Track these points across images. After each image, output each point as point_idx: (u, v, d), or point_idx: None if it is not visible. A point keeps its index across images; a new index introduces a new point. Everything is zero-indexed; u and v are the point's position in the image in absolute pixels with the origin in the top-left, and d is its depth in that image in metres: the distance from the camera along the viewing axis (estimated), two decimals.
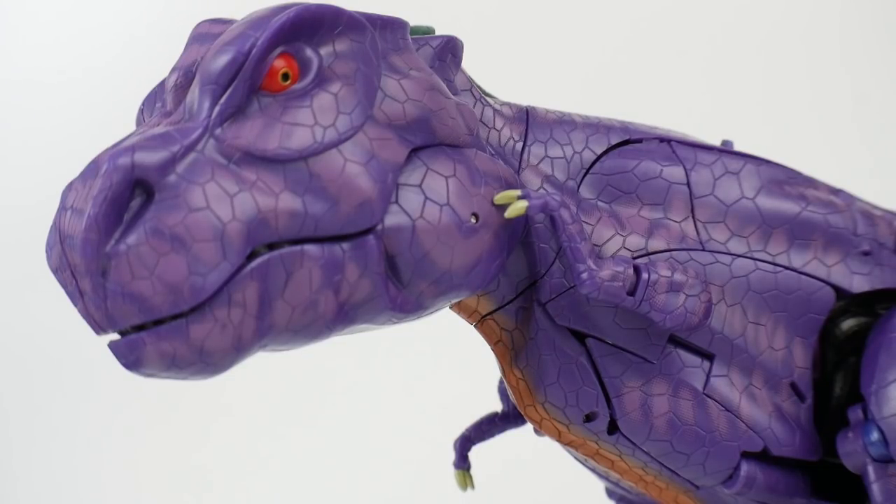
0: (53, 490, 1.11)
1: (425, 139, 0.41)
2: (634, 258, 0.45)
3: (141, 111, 0.43)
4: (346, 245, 0.37)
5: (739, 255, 0.48)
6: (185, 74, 0.40)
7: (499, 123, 0.46)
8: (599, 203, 0.47)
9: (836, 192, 0.52)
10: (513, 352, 0.48)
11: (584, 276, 0.42)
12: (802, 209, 0.49)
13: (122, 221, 0.34)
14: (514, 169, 0.46)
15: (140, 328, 0.34)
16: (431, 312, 0.42)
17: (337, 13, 0.39)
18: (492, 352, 0.48)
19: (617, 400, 0.46)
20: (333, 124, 0.38)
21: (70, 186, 0.36)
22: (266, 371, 0.84)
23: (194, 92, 0.37)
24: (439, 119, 0.41)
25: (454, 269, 0.40)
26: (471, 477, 0.59)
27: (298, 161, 0.37)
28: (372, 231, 0.38)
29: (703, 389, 0.46)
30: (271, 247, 0.36)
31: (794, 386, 0.49)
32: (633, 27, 1.30)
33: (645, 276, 0.43)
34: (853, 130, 1.26)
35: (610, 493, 0.61)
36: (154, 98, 0.42)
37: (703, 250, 0.47)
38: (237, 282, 0.35)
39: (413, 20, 0.44)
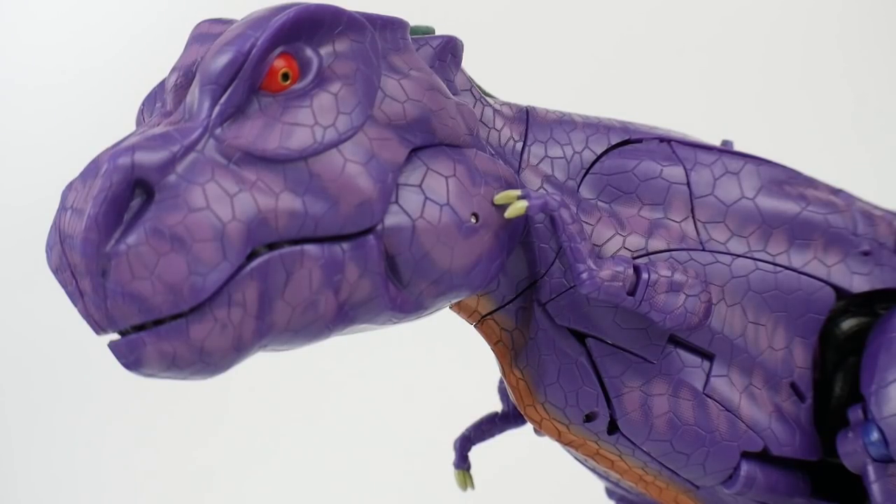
0: (54, 491, 1.11)
1: (425, 139, 0.41)
2: (634, 258, 0.45)
3: (141, 111, 0.43)
4: (346, 245, 0.37)
5: (739, 255, 0.48)
6: (185, 74, 0.40)
7: (499, 123, 0.46)
8: (599, 203, 0.47)
9: (836, 192, 0.52)
10: (513, 352, 0.48)
11: (584, 276, 0.42)
12: (802, 209, 0.49)
13: (122, 221, 0.34)
14: (514, 169, 0.46)
15: (140, 328, 0.34)
16: (431, 312, 0.42)
17: (337, 13, 0.39)
18: (492, 352, 0.48)
19: (617, 400, 0.46)
20: (333, 124, 0.38)
21: (70, 186, 0.36)
22: (267, 371, 0.84)
23: (194, 92, 0.37)
24: (439, 119, 0.41)
25: (454, 269, 0.40)
26: (471, 477, 0.59)
27: (298, 161, 0.37)
28: (372, 231, 0.38)
29: (703, 389, 0.46)
30: (271, 247, 0.36)
31: (794, 386, 0.49)
32: (633, 27, 1.30)
33: (645, 276, 0.43)
34: (853, 130, 1.26)
35: (610, 493, 0.61)
36: (154, 98, 0.42)
37: (703, 250, 0.47)
38: (237, 282, 0.35)
39: (413, 20, 0.44)
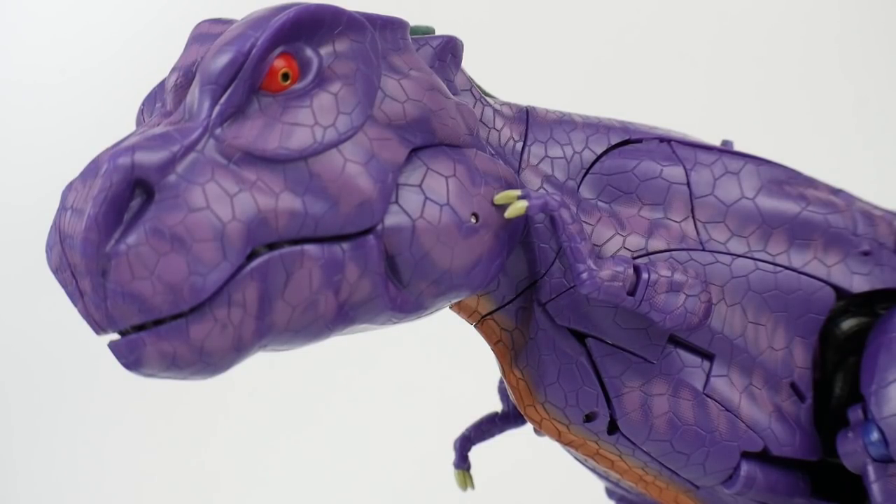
0: (56, 492, 1.11)
1: (425, 139, 0.41)
2: (634, 258, 0.45)
3: (141, 111, 0.43)
4: (346, 245, 0.37)
5: (739, 255, 0.48)
6: (185, 74, 0.40)
7: (499, 123, 0.46)
8: (599, 203, 0.47)
9: (836, 192, 0.52)
10: (513, 352, 0.48)
11: (584, 276, 0.42)
12: (802, 209, 0.49)
13: (122, 221, 0.34)
14: (514, 169, 0.46)
15: (140, 328, 0.34)
16: (431, 312, 0.42)
17: (337, 13, 0.39)
18: (492, 352, 0.48)
19: (617, 400, 0.46)
20: (333, 124, 0.38)
21: (70, 186, 0.36)
22: (269, 372, 0.84)
23: (194, 92, 0.37)
24: (439, 119, 0.41)
25: (454, 269, 0.40)
26: (471, 477, 0.59)
27: (298, 161, 0.37)
28: (372, 231, 0.38)
29: (703, 389, 0.46)
30: (271, 247, 0.36)
31: (794, 386, 0.49)
32: (633, 27, 1.30)
33: (645, 276, 0.43)
34: (853, 130, 1.26)
35: (610, 493, 0.61)
36: (154, 98, 0.42)
37: (703, 250, 0.47)
38: (237, 282, 0.35)
39: (413, 20, 0.44)
